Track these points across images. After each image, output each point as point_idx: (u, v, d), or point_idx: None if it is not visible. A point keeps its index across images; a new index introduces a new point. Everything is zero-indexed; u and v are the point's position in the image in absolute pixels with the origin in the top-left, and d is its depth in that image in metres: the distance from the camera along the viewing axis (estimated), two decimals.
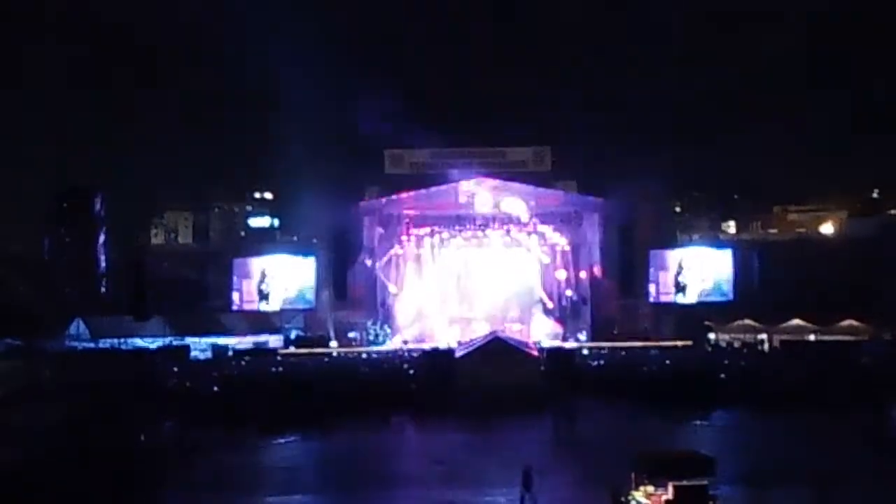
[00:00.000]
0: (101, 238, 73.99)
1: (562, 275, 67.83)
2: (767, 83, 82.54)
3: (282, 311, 66.31)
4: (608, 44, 77.37)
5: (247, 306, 66.08)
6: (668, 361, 52.52)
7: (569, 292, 67.27)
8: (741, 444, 35.57)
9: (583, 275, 66.94)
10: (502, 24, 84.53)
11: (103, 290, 72.66)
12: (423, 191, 65.91)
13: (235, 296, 66.01)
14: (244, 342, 61.73)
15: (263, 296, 65.85)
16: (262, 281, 65.85)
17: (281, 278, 65.92)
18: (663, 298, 65.76)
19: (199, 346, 59.50)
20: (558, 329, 64.91)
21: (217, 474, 31.69)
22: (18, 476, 27.27)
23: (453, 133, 69.17)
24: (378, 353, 60.20)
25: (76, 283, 70.05)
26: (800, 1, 77.25)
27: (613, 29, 79.26)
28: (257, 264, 66.79)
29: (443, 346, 56.64)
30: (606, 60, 76.62)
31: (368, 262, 66.64)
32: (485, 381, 43.96)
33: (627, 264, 65.45)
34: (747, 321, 62.08)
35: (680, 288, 65.69)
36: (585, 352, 57.51)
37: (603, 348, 58.56)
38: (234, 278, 66.18)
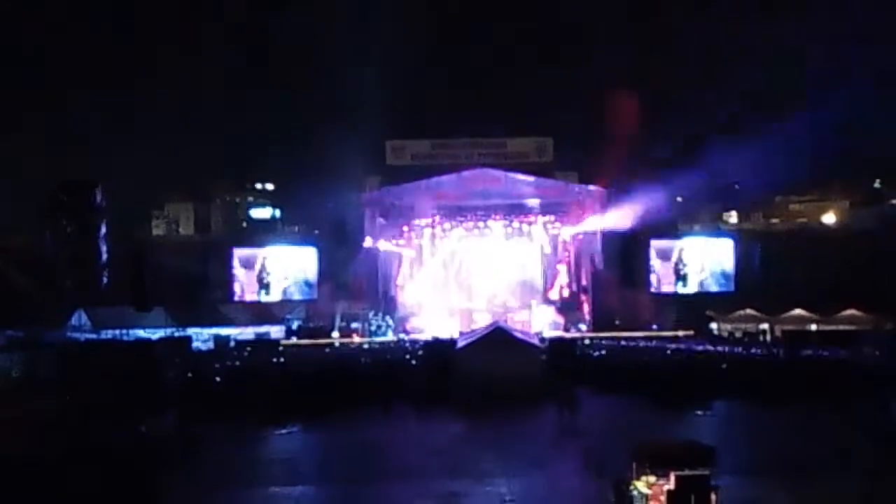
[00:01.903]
0: (103, 229, 73.76)
1: (563, 265, 67.94)
2: (769, 73, 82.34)
3: (283, 301, 66.30)
4: (607, 36, 77.21)
5: (248, 297, 66.06)
6: (669, 352, 52.62)
7: (570, 283, 67.37)
8: (742, 434, 35.65)
9: (583, 266, 66.98)
10: (503, 14, 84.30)
11: (105, 281, 72.51)
12: (424, 181, 65.85)
13: (237, 286, 65.96)
14: (246, 333, 61.76)
15: (265, 286, 65.83)
16: (263, 271, 65.81)
17: (282, 269, 65.89)
18: (664, 289, 65.72)
19: (201, 336, 59.43)
20: (559, 319, 64.90)
21: (219, 465, 31.78)
22: (19, 468, 27.27)
23: (455, 123, 69.15)
24: (380, 343, 60.26)
25: (77, 274, 69.91)
26: None
27: (613, 20, 79.01)
28: (259, 255, 66.77)
29: (444, 336, 56.67)
30: (606, 52, 76.37)
31: (370, 253, 66.64)
32: (486, 371, 43.93)
33: (628, 255, 65.36)
34: (749, 311, 62.06)
35: (681, 278, 65.64)
36: (587, 342, 57.56)
37: (604, 338, 58.56)
38: (236, 269, 66.14)
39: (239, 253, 66.70)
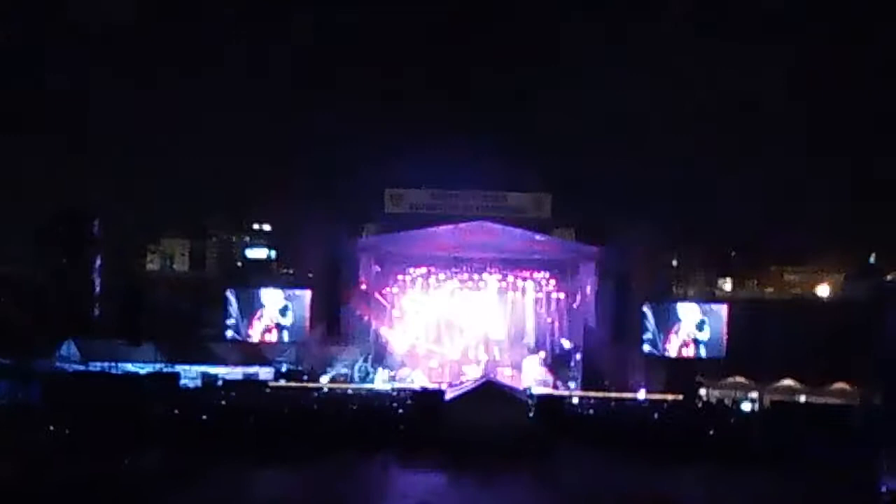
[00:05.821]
0: (98, 262, 73.84)
1: (555, 323, 67.87)
2: (768, 142, 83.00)
3: (274, 343, 66.18)
4: (610, 91, 77.62)
5: (239, 337, 65.98)
6: (656, 415, 52.50)
7: (563, 341, 67.31)
8: (726, 499, 35.53)
9: (576, 324, 66.97)
10: (504, 63, 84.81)
11: (97, 313, 72.45)
12: (421, 231, 65.98)
13: (228, 326, 65.91)
14: (234, 373, 61.61)
15: (256, 327, 65.75)
16: (255, 312, 65.78)
17: (275, 310, 65.84)
18: (656, 351, 65.72)
19: (189, 374, 59.31)
20: (549, 376, 64.77)
21: (200, 503, 31.57)
22: (3, 497, 27.13)
23: (455, 175, 69.37)
24: (368, 390, 60.10)
25: (70, 305, 69.85)
26: (801, 59, 77.76)
27: (615, 76, 79.44)
28: (252, 295, 66.73)
29: (433, 387, 56.49)
30: (607, 110, 76.85)
31: (363, 300, 66.62)
32: (474, 424, 43.86)
33: (621, 315, 65.40)
34: (738, 378, 62.11)
35: (672, 342, 65.66)
36: (575, 400, 57.43)
37: (593, 398, 58.41)
38: (229, 308, 66.08)
39: (233, 293, 66.69)
